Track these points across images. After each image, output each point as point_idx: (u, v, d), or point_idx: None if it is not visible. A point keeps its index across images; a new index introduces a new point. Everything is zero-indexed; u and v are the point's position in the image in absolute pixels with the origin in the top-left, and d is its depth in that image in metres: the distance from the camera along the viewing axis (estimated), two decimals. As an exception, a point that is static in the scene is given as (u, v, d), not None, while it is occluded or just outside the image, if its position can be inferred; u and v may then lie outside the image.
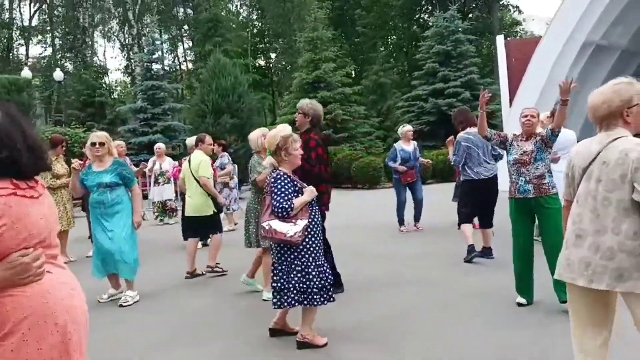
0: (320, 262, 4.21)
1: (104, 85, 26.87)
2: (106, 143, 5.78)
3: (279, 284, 4.18)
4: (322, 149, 5.46)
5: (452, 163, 7.33)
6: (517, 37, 37.85)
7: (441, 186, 15.27)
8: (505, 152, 5.20)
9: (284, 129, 4.39)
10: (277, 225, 4.08)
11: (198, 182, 6.63)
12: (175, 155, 16.19)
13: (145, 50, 22.31)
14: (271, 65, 42.49)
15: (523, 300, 4.85)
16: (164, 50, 36.00)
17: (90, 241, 7.36)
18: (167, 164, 11.23)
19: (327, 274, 4.22)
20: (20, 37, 38.52)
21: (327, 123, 21.09)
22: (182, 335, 4.69)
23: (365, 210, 12.59)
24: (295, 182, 4.26)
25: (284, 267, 4.19)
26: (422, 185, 9.43)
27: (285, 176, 4.21)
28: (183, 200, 7.58)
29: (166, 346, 4.47)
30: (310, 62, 24.11)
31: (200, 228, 6.87)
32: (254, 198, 5.83)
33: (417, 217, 9.19)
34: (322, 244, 4.35)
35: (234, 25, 36.84)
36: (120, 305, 5.62)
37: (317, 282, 4.13)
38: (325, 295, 4.18)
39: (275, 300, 4.21)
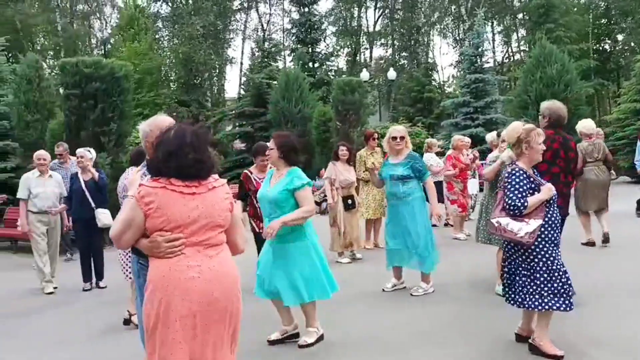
0: (554, 267, 3.83)
1: (433, 81, 27.86)
2: (405, 137, 6.00)
3: (507, 282, 4.03)
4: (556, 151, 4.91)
5: None
6: None
7: None
8: None
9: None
10: (508, 222, 3.82)
11: None
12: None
13: (471, 44, 22.35)
14: (617, 48, 37.70)
15: None
16: (496, 42, 35.54)
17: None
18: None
19: (564, 280, 3.82)
20: (365, 41, 42.76)
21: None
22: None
23: None
24: (532, 179, 3.90)
25: (512, 266, 3.99)
26: None
27: (521, 172, 3.89)
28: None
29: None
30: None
31: None
32: (488, 193, 5.65)
33: None
34: (558, 247, 3.93)
35: (571, 9, 33.88)
36: (411, 294, 5.83)
37: (547, 287, 3.81)
38: (559, 302, 3.81)
39: (505, 294, 4.07)
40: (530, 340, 4.07)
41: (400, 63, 38.05)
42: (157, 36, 31.96)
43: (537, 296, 3.87)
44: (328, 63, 26.82)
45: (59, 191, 7.54)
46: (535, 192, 3.88)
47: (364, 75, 24.20)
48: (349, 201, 8.14)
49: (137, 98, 26.70)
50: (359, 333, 4.79)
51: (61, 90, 13.10)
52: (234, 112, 21.44)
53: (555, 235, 3.92)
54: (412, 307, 5.48)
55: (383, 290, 6.07)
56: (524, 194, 3.84)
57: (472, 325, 4.76)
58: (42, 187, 7.34)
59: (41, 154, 7.59)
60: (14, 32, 30.90)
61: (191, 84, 27.84)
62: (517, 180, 3.88)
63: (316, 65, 26.19)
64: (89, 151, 7.29)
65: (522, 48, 41.11)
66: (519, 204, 3.80)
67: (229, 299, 2.56)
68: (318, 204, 12.07)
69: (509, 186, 3.89)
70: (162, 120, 3.04)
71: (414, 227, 5.75)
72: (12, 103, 13.76)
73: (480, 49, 21.27)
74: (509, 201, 3.84)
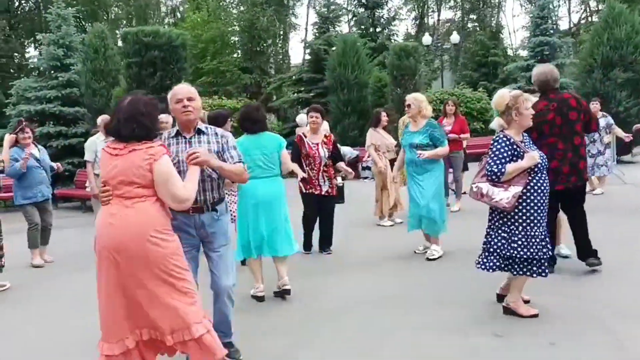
0: (533, 234, 3.93)
1: (499, 45, 26.94)
2: (414, 104, 6.08)
3: (486, 245, 4.14)
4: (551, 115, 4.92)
5: None
6: None
7: None
8: None
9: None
10: (486, 188, 3.96)
11: None
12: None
13: (536, 5, 21.38)
14: None
15: None
16: (573, 3, 33.78)
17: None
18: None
19: (539, 247, 3.94)
20: (433, 3, 41.59)
21: None
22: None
23: None
24: (516, 146, 3.96)
25: (492, 230, 4.11)
26: None
27: (505, 139, 3.98)
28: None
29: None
30: None
31: None
32: None
33: None
34: (543, 215, 3.99)
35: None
36: (427, 259, 5.99)
37: (522, 253, 3.93)
38: (533, 268, 3.98)
39: (478, 259, 4.19)
40: (503, 304, 4.20)
41: (467, 27, 36.98)
42: (221, 3, 32.43)
43: (510, 260, 4.02)
44: (390, 27, 26.41)
45: None
46: (519, 160, 3.94)
47: (426, 39, 23.76)
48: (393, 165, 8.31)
49: (201, 66, 27.54)
50: (389, 291, 5.06)
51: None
52: (293, 78, 21.67)
53: (540, 201, 3.97)
54: (428, 269, 5.69)
55: (415, 252, 6.29)
56: (503, 160, 3.92)
57: (475, 288, 4.86)
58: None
59: (105, 118, 8.15)
60: (90, 2, 32.33)
61: (254, 51, 28.30)
62: (499, 147, 3.96)
63: (377, 29, 25.87)
64: (169, 117, 7.60)
65: (600, 8, 38.87)
66: (496, 170, 3.90)
67: (140, 243, 2.96)
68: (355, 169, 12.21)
69: (490, 153, 4.00)
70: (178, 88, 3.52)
71: (430, 193, 5.89)
72: (81, 72, 14.63)
73: (545, 10, 20.32)
74: (488, 167, 3.96)
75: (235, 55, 29.08)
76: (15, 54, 27.00)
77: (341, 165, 6.74)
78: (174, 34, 12.80)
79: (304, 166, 6.42)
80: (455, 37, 25.34)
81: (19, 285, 6.05)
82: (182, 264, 3.09)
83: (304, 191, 6.51)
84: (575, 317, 4.10)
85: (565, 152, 4.91)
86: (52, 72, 15.03)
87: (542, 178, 4.00)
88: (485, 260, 4.14)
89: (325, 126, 7.78)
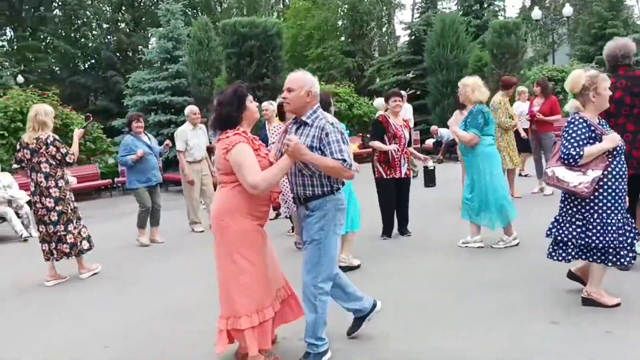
0: (610, 221, 3.70)
1: (617, 15, 24.82)
2: (459, 90, 6.04)
3: (558, 235, 3.96)
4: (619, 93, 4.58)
5: None
6: None
7: None
8: None
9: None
10: (563, 172, 3.74)
11: None
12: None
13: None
14: None
15: None
16: None
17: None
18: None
19: (616, 235, 3.69)
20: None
21: None
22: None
23: None
24: (593, 128, 3.71)
25: (565, 218, 3.92)
26: None
27: (581, 120, 3.74)
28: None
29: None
30: None
31: None
32: None
33: None
34: (620, 201, 3.75)
35: None
36: (491, 247, 5.96)
37: (599, 242, 3.72)
38: (609, 257, 3.76)
39: (550, 249, 4.03)
40: (583, 295, 4.04)
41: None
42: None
43: (585, 249, 3.85)
44: (496, 3, 25.25)
45: (206, 140, 8.69)
46: (597, 142, 3.74)
47: (536, 13, 22.54)
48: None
49: (307, 54, 28.13)
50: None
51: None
52: (392, 60, 21.50)
53: (618, 187, 3.77)
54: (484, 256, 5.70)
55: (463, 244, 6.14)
56: (580, 143, 3.71)
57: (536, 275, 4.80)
58: (196, 138, 8.51)
59: (194, 108, 8.77)
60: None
61: (357, 34, 28.36)
62: (575, 129, 3.76)
63: (484, 6, 24.86)
64: (271, 104, 8.10)
65: None
66: (574, 153, 3.69)
67: (216, 224, 3.38)
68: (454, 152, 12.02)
69: (566, 135, 3.79)
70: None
71: (480, 182, 5.83)
72: (187, 63, 15.62)
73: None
74: (565, 150, 3.75)
75: (339, 40, 29.31)
76: (140, 47, 29.12)
77: (412, 150, 6.82)
78: (269, 24, 13.26)
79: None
80: (567, 10, 23.71)
81: (127, 264, 6.74)
82: (245, 251, 3.31)
83: (385, 177, 6.55)
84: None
85: (635, 134, 4.62)
86: (163, 64, 16.19)
87: (621, 162, 3.80)
88: (559, 250, 4.00)
89: (409, 109, 7.88)
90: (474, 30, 22.29)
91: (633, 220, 3.97)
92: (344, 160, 3.28)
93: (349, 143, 3.50)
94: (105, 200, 13.45)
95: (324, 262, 3.40)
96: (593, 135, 3.75)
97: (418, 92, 20.01)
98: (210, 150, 8.63)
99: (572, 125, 3.78)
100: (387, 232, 6.76)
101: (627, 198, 3.90)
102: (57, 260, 6.00)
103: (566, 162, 3.75)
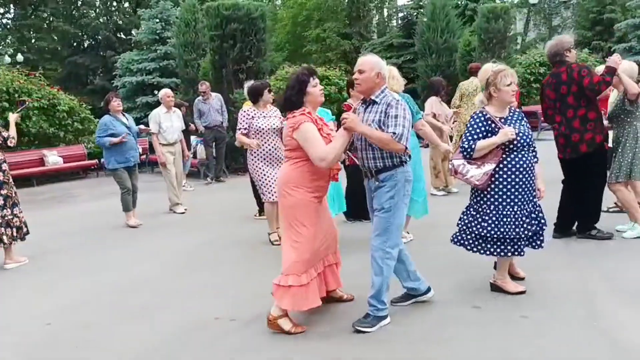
0: (505, 212, 3.83)
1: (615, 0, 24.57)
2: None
3: (460, 222, 4.16)
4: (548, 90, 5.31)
5: None
6: None
7: None
8: None
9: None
10: (460, 164, 3.92)
11: None
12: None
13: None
14: None
15: None
16: None
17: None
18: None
19: (512, 226, 3.82)
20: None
21: None
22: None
23: None
24: (490, 122, 3.85)
25: (467, 207, 4.14)
26: None
27: (480, 115, 3.90)
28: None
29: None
30: None
31: None
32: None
33: None
34: (519, 194, 3.85)
35: None
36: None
37: (493, 232, 3.86)
38: (506, 248, 3.93)
39: (453, 235, 4.20)
40: (490, 280, 4.25)
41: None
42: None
43: (480, 240, 4.01)
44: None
45: (180, 124, 8.85)
46: (493, 137, 3.87)
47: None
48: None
49: (305, 35, 28.08)
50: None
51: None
52: (383, 44, 21.46)
53: (515, 180, 3.86)
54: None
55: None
56: (475, 137, 3.88)
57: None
58: (169, 121, 8.65)
59: (168, 91, 8.92)
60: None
61: (354, 16, 28.26)
62: (473, 123, 3.93)
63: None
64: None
65: None
66: (467, 146, 3.89)
67: (278, 189, 3.86)
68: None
69: (466, 129, 3.98)
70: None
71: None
72: (175, 44, 15.71)
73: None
74: (462, 144, 3.97)
75: (338, 22, 29.22)
76: (135, 29, 29.16)
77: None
78: (252, 7, 13.28)
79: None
80: (566, -6, 23.51)
81: (119, 244, 6.87)
82: (298, 219, 3.69)
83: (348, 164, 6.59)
84: (561, 292, 4.17)
85: (560, 125, 5.09)
86: (152, 45, 16.29)
87: (519, 156, 3.86)
88: (459, 237, 4.17)
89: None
90: (471, 14, 22.22)
91: (541, 210, 4.10)
92: (394, 133, 3.47)
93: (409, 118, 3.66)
94: (92, 180, 13.67)
95: (393, 228, 3.68)
96: (489, 129, 3.89)
97: (410, 76, 20.00)
98: (187, 133, 8.65)
99: (471, 120, 3.97)
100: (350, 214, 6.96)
101: (536, 190, 4.02)
102: (5, 247, 5.88)
103: (463, 155, 3.95)
